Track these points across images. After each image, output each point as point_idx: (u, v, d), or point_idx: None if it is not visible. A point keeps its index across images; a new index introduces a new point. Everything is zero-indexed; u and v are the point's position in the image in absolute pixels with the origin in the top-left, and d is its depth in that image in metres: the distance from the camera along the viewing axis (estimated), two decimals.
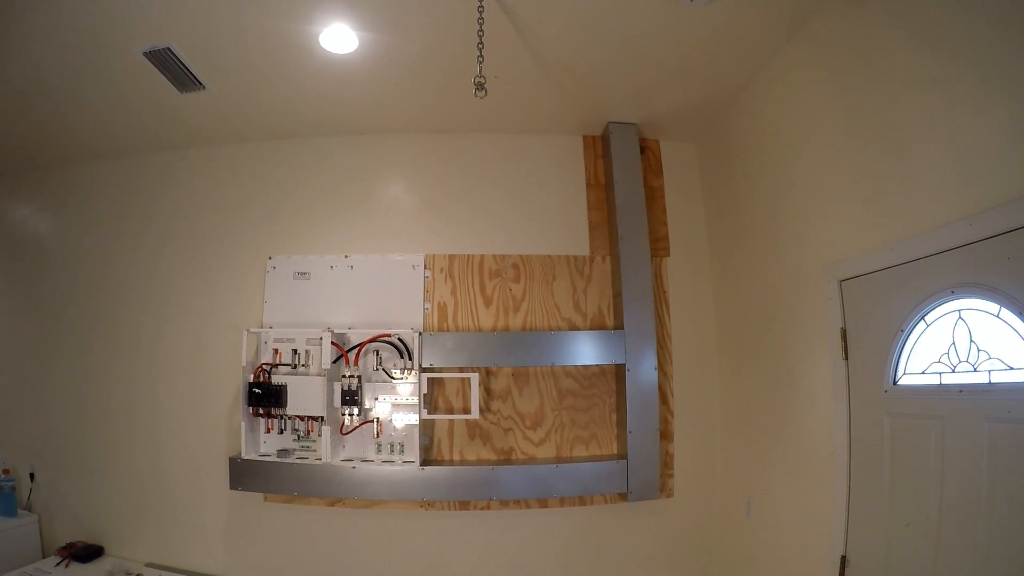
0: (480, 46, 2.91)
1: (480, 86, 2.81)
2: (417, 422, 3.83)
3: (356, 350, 3.94)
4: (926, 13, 2.32)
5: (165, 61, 3.40)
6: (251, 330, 3.99)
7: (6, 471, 4.34)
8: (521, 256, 4.26)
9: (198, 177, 4.52)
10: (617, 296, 4.08)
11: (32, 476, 4.43)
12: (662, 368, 4.15)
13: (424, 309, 4.17)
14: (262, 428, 3.97)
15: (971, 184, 2.12)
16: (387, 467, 3.82)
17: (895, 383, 2.57)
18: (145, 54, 3.32)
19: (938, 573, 2.24)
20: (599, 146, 4.42)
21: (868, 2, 2.66)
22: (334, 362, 3.88)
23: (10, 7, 2.91)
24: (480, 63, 2.87)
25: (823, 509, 2.97)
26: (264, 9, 3.02)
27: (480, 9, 2.86)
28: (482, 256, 4.25)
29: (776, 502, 3.48)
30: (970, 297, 2.18)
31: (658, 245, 4.32)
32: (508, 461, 4.02)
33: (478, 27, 2.90)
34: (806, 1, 2.97)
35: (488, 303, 4.20)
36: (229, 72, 3.59)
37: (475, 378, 3.88)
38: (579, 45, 3.35)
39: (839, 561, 2.81)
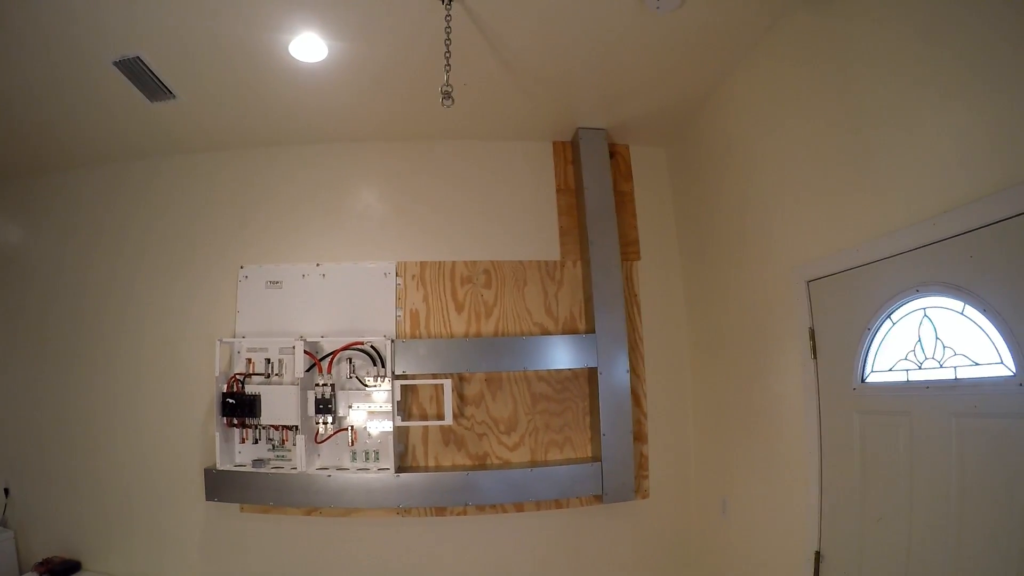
0: (447, 55, 2.93)
1: (447, 95, 2.83)
2: (391, 429, 3.84)
3: (329, 358, 3.93)
4: (888, 17, 2.37)
5: (135, 70, 3.39)
6: (224, 340, 3.98)
7: None
8: (492, 262, 4.28)
9: (171, 186, 4.51)
10: (588, 300, 4.11)
11: (7, 491, 4.37)
12: (634, 371, 4.19)
13: (396, 316, 4.18)
14: (237, 438, 3.95)
15: (935, 185, 2.16)
16: (362, 475, 3.82)
17: (863, 381, 2.61)
18: (115, 63, 3.31)
19: (911, 566, 2.28)
20: (569, 151, 4.46)
21: (832, 6, 2.71)
22: (307, 371, 3.87)
23: None
24: (447, 72, 2.89)
25: (797, 506, 3.00)
26: (234, 19, 3.02)
27: (447, 18, 2.89)
28: (453, 263, 4.27)
29: (751, 500, 3.52)
30: (935, 295, 2.22)
31: (629, 249, 4.35)
32: (483, 466, 4.03)
33: (445, 36, 2.92)
34: (771, 6, 3.01)
35: (460, 309, 4.22)
36: (199, 81, 3.59)
37: (448, 384, 3.89)
38: (548, 52, 3.38)
39: (814, 557, 2.84)
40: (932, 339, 2.28)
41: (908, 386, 2.36)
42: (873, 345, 2.56)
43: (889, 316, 2.46)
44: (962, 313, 2.12)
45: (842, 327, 2.73)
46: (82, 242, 4.52)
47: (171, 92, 3.64)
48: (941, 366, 2.23)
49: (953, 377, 2.16)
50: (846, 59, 2.64)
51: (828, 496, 2.81)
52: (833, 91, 2.73)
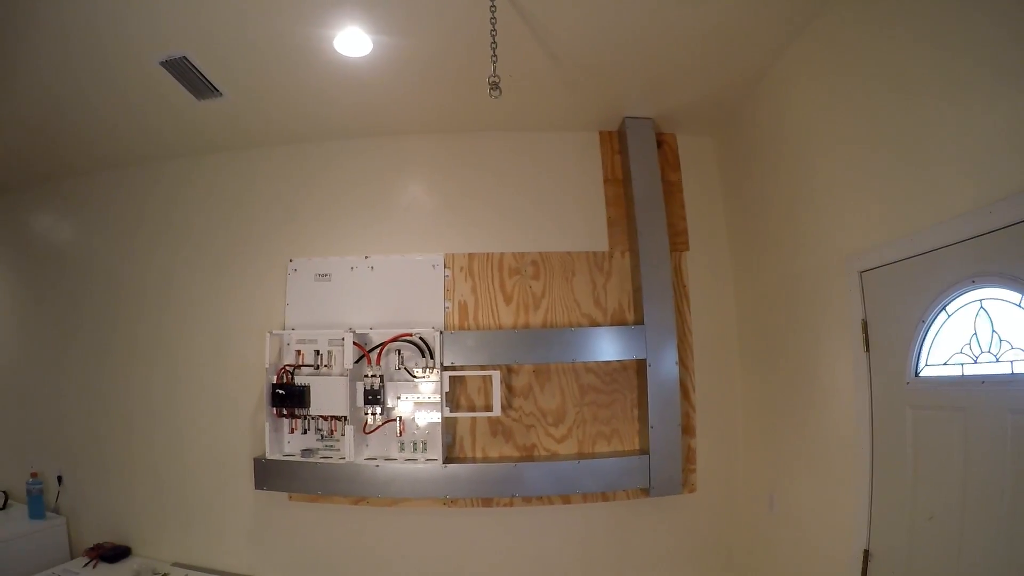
0: (493, 46, 2.91)
1: (495, 86, 2.81)
2: (439, 420, 3.86)
3: (378, 350, 3.96)
4: (940, 6, 2.30)
5: (181, 69, 3.43)
6: (273, 332, 4.04)
7: (34, 474, 4.40)
8: (540, 253, 4.26)
9: (216, 182, 4.57)
10: (637, 291, 4.07)
11: (60, 479, 4.50)
12: (683, 363, 4.14)
13: (445, 308, 4.19)
14: (286, 428, 4.00)
15: (990, 172, 2.09)
16: (410, 465, 3.85)
17: (917, 375, 2.55)
18: (162, 63, 3.36)
19: (962, 566, 2.23)
20: (615, 141, 4.42)
21: None
22: (356, 362, 3.91)
23: (27, 21, 2.95)
24: (494, 63, 2.87)
25: (846, 503, 2.95)
26: (278, 15, 3.04)
27: (492, 9, 2.87)
28: (501, 254, 4.26)
29: (799, 496, 3.46)
30: (992, 287, 2.16)
31: (677, 239, 4.30)
32: (530, 458, 4.03)
33: (491, 27, 2.90)
34: None
35: (508, 301, 4.21)
36: (245, 79, 3.62)
37: (496, 376, 3.89)
38: (592, 41, 3.34)
39: (862, 555, 2.79)
40: (988, 332, 2.21)
41: (963, 381, 2.30)
42: (927, 338, 2.50)
43: (944, 308, 2.40)
44: (1020, 305, 2.06)
45: (895, 319, 2.66)
46: (138, 239, 4.62)
47: (218, 90, 3.68)
48: (997, 360, 2.17)
49: (1010, 372, 2.10)
50: (899, 42, 2.56)
51: (878, 493, 2.75)
52: (885, 75, 2.66)
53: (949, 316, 2.39)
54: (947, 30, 2.28)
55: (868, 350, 2.84)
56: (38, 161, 4.57)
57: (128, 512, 4.37)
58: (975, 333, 2.27)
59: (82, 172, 4.77)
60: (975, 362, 2.26)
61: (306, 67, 3.51)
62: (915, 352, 2.55)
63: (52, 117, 3.91)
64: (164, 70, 3.42)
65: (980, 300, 2.24)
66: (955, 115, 2.27)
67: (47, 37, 3.09)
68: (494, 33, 2.91)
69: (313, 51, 3.35)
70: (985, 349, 2.22)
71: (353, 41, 3.26)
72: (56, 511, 4.49)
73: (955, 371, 2.35)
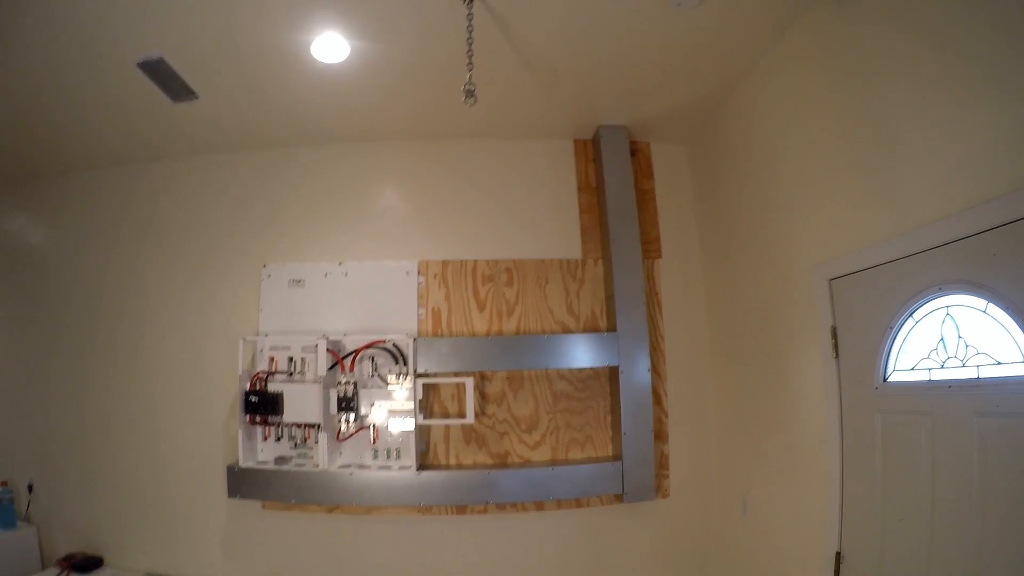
0: (470, 53, 2.94)
1: (470, 93, 2.84)
2: (413, 427, 3.85)
3: (351, 357, 3.95)
4: (913, 11, 2.35)
5: (158, 71, 3.41)
6: (247, 338, 4.02)
7: (4, 483, 4.32)
8: (514, 260, 4.28)
9: (193, 186, 4.54)
10: (610, 299, 4.10)
11: (30, 487, 4.42)
12: (656, 369, 4.17)
13: (418, 315, 4.19)
14: (259, 436, 3.97)
15: (958, 181, 2.14)
16: (384, 473, 3.84)
17: (885, 380, 2.59)
18: (139, 64, 3.34)
19: (932, 567, 2.26)
20: (590, 149, 4.45)
21: (855, 2, 2.69)
22: (330, 369, 3.89)
23: (3, 16, 2.92)
24: (470, 70, 2.90)
25: (818, 506, 2.98)
26: (256, 18, 3.04)
27: (469, 16, 2.89)
28: (475, 261, 4.27)
29: (772, 500, 3.50)
30: (958, 294, 2.20)
31: (650, 247, 4.34)
32: (504, 465, 4.04)
33: (467, 35, 2.93)
34: (791, 3, 2.99)
35: (482, 308, 4.22)
36: (222, 81, 3.61)
37: (470, 383, 3.89)
38: (568, 50, 3.38)
39: (834, 557, 2.82)
40: (955, 338, 2.26)
41: (930, 385, 2.34)
42: (895, 344, 2.54)
43: (911, 315, 2.44)
44: (985, 311, 2.10)
45: (864, 326, 2.71)
46: (104, 242, 4.56)
47: (194, 92, 3.66)
48: (964, 365, 2.21)
49: (976, 376, 2.15)
50: (865, 55, 2.63)
51: (849, 496, 2.79)
52: (853, 87, 2.72)
53: (916, 323, 2.43)
54: (913, 46, 2.34)
55: (837, 356, 2.88)
56: (12, 160, 4.50)
57: (101, 521, 4.30)
58: (942, 339, 2.31)
59: (60, 172, 4.68)
60: (942, 367, 2.30)
61: (283, 71, 3.51)
62: (884, 358, 2.59)
63: (29, 114, 3.85)
64: (141, 72, 3.40)
65: (947, 307, 2.28)
66: (920, 128, 2.33)
67: (20, 34, 3.05)
68: (470, 41, 2.94)
69: (291, 55, 3.35)
70: (952, 354, 2.26)
71: (331, 46, 3.27)
72: (27, 520, 4.40)
73: (923, 376, 2.39)
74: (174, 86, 3.58)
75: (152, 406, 4.32)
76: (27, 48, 3.18)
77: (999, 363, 2.06)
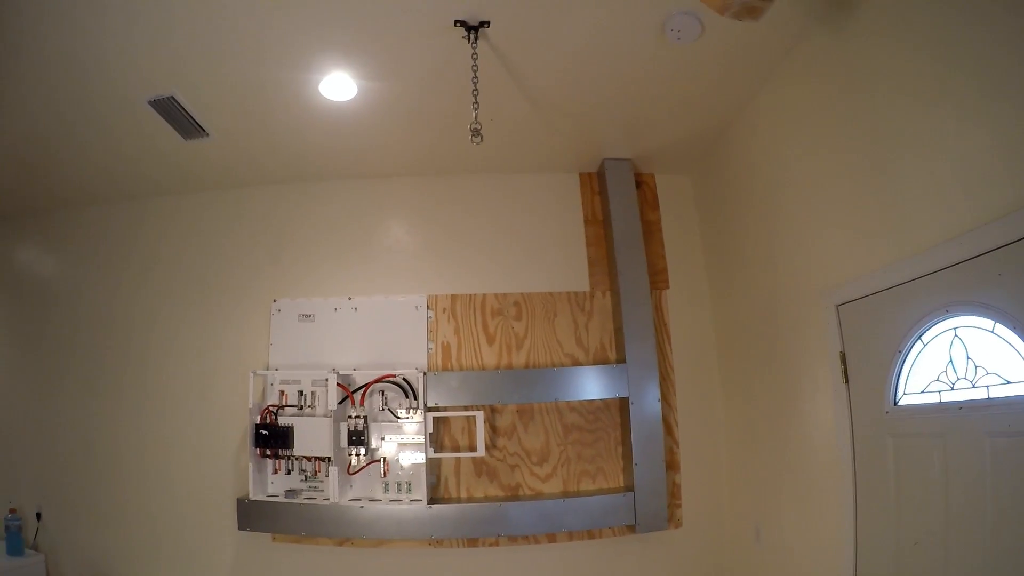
0: (475, 92, 3.00)
1: (476, 132, 2.89)
2: (424, 461, 3.85)
3: (362, 391, 3.97)
4: (913, 32, 2.38)
5: (169, 109, 3.48)
6: (257, 372, 4.03)
7: (12, 510, 4.32)
8: (522, 294, 4.31)
9: (201, 221, 4.60)
10: (618, 330, 4.13)
11: (39, 515, 4.41)
12: (665, 399, 4.17)
13: (428, 349, 4.21)
14: (269, 469, 3.98)
15: (961, 203, 2.15)
16: (395, 506, 3.84)
17: (896, 404, 2.59)
18: (150, 102, 3.41)
19: None
20: (595, 182, 4.50)
21: (852, 28, 2.73)
22: (340, 403, 3.91)
23: (20, 56, 2.98)
24: (475, 109, 2.95)
25: (832, 532, 2.96)
26: (266, 59, 3.11)
27: (474, 56, 2.95)
28: (484, 295, 4.30)
29: (785, 527, 3.48)
30: (965, 315, 2.21)
31: (657, 278, 4.37)
32: (515, 497, 4.03)
33: (472, 74, 2.99)
34: (788, 32, 3.03)
35: (491, 341, 4.25)
36: (232, 120, 3.68)
37: (480, 416, 3.91)
38: (572, 86, 3.44)
39: None
40: (963, 359, 2.26)
41: (941, 407, 2.34)
42: (905, 367, 2.55)
43: (920, 337, 2.45)
44: (992, 331, 2.11)
45: (873, 350, 2.71)
46: (117, 277, 4.61)
47: (204, 130, 3.74)
48: (974, 386, 2.21)
49: (986, 396, 2.14)
50: (865, 79, 2.66)
51: (863, 521, 2.77)
52: (853, 112, 2.75)
53: (925, 345, 2.44)
54: (912, 67, 2.37)
55: (847, 381, 2.88)
56: (22, 194, 4.57)
57: (109, 551, 4.29)
58: (951, 360, 2.31)
59: (68, 207, 4.75)
60: (952, 389, 2.30)
61: (293, 109, 3.58)
62: (893, 382, 2.59)
63: (39, 151, 3.92)
64: (152, 109, 3.47)
65: (954, 328, 2.29)
66: (921, 150, 2.35)
67: (35, 71, 3.11)
68: (475, 80, 3.00)
69: (299, 94, 3.42)
70: (961, 376, 2.27)
71: (339, 85, 3.34)
72: (35, 548, 4.39)
73: (933, 398, 2.39)
74: (185, 124, 3.65)
75: (162, 438, 4.33)
76: (43, 85, 3.23)
77: (1008, 382, 2.05)
